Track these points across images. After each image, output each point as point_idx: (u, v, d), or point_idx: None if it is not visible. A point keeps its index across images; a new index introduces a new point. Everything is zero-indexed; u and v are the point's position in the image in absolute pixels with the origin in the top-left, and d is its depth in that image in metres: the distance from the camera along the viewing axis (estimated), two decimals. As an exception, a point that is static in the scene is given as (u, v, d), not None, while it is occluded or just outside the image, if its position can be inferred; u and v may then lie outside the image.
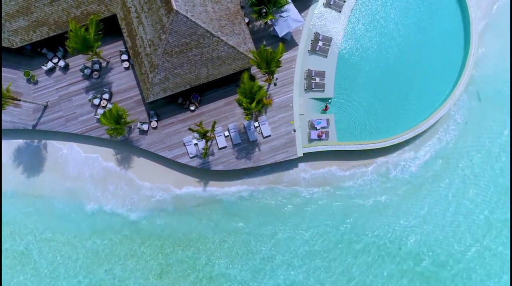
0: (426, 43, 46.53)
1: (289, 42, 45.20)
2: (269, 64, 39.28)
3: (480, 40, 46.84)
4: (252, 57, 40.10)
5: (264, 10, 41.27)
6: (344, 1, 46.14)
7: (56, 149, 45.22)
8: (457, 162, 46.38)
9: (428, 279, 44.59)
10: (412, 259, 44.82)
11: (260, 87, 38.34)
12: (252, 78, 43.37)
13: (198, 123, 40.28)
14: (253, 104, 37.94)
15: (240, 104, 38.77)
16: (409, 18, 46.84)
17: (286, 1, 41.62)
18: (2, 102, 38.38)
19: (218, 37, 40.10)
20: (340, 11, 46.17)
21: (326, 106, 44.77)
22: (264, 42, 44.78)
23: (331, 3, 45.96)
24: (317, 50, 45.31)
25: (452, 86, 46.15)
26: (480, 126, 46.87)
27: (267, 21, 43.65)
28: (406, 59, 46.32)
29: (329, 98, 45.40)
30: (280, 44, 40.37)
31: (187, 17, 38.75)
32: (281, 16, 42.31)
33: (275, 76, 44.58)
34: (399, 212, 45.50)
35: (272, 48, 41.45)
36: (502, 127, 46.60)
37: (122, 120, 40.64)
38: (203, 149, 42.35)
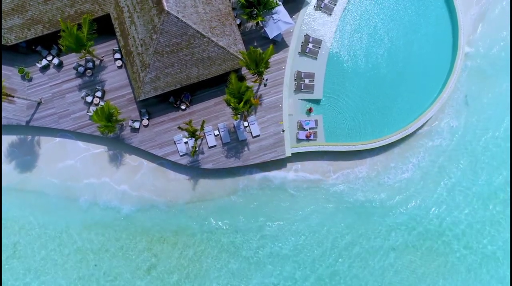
0: (415, 45, 47.33)
1: (280, 43, 45.94)
2: (258, 65, 40.06)
3: (468, 43, 47.71)
4: (242, 58, 40.85)
5: (255, 12, 42.00)
6: (335, 4, 46.88)
7: (49, 145, 45.96)
8: (446, 163, 47.08)
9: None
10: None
11: (248, 88, 39.14)
12: (242, 78, 44.16)
13: (187, 122, 41.02)
14: (241, 104, 38.71)
15: (229, 104, 39.54)
16: (398, 21, 47.62)
17: (276, 4, 42.43)
18: (-4, 98, 39.23)
19: (209, 38, 40.89)
20: (330, 14, 46.93)
21: (310, 109, 45.46)
22: (255, 44, 45.54)
23: (322, 6, 46.72)
24: (307, 52, 46.05)
25: (440, 89, 46.87)
26: (468, 129, 47.48)
27: (258, 23, 44.39)
28: (395, 62, 47.12)
29: (318, 100, 46.12)
30: (271, 45, 41.24)
31: (178, 18, 39.55)
32: (271, 18, 43.08)
33: (266, 77, 45.33)
34: (387, 211, 46.23)
35: (262, 49, 42.37)
36: (489, 130, 47.29)
37: (114, 118, 41.43)
38: (192, 147, 43.10)
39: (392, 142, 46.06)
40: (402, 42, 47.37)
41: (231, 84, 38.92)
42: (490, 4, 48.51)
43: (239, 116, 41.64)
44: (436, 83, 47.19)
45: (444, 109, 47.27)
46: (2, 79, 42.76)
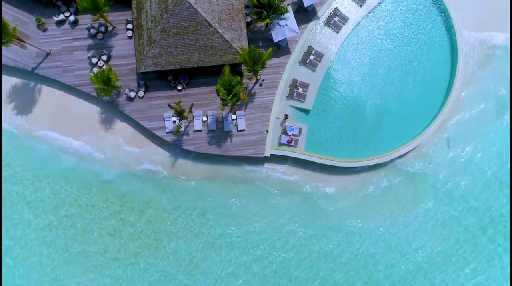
0: (411, 80, 48.95)
1: (283, 49, 47.87)
2: (255, 64, 42.05)
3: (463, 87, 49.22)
4: (241, 53, 42.85)
5: (264, 14, 43.92)
6: (344, 24, 48.60)
7: (48, 95, 48.30)
8: (408, 201, 48.68)
9: None
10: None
11: (239, 83, 41.10)
12: (240, 74, 46.11)
13: (176, 102, 43.12)
14: (229, 96, 40.74)
15: (218, 94, 41.59)
16: (401, 53, 49.24)
17: (286, 10, 44.32)
18: (7, 39, 41.66)
19: (215, 29, 43.00)
20: (337, 32, 48.66)
21: (286, 115, 47.22)
22: (260, 44, 47.43)
23: (331, 22, 48.47)
24: (307, 63, 47.89)
25: (425, 126, 48.33)
26: (442, 171, 48.84)
27: (267, 25, 46.28)
28: (389, 91, 48.77)
29: (307, 110, 47.91)
30: (270, 48, 43.26)
31: (190, 3, 41.77)
32: (278, 23, 45.01)
33: (263, 77, 47.30)
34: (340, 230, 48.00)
35: (265, 50, 44.26)
36: (465, 176, 48.68)
37: (111, 83, 43.74)
38: (176, 126, 45.19)
39: (368, 165, 47.67)
40: (399, 74, 48.98)
41: (224, 75, 40.98)
42: (492, 56, 49.98)
43: (226, 107, 43.63)
44: (423, 119, 48.64)
45: (424, 146, 48.64)
46: (18, 23, 45.11)
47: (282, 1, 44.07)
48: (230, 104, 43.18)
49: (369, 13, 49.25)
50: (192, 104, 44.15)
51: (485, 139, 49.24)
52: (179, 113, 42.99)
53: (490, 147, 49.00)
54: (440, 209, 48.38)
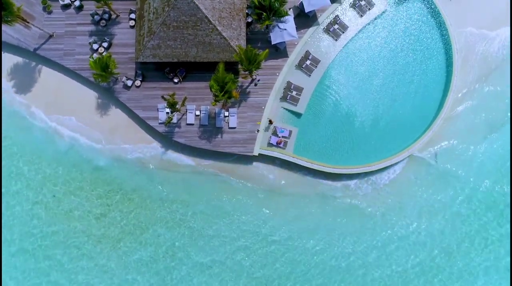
0: (403, 93, 49.55)
1: (281, 51, 48.57)
2: (250, 64, 42.78)
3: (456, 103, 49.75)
4: (238, 52, 43.61)
5: (264, 15, 44.63)
6: (343, 32, 49.23)
7: (47, 77, 49.26)
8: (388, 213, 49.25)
9: None
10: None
11: (231, 80, 41.86)
12: (236, 72, 46.86)
13: (170, 94, 43.93)
14: (221, 93, 41.51)
15: (211, 89, 42.38)
16: (398, 66, 49.87)
17: (286, 13, 45.01)
18: (11, 19, 42.62)
19: (214, 26, 43.78)
20: (336, 40, 49.30)
21: (270, 121, 47.91)
22: (259, 44, 48.15)
23: (331, 30, 49.11)
24: (303, 67, 48.57)
25: (414, 140, 48.87)
26: (424, 187, 49.37)
27: (267, 27, 46.99)
28: (381, 102, 49.37)
29: (299, 113, 48.60)
30: (266, 49, 44.00)
31: (191, -1, 42.66)
32: (278, 25, 45.71)
33: (258, 77, 48.03)
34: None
35: (262, 51, 44.99)
36: (446, 195, 49.29)
37: (109, 69, 44.62)
38: (168, 117, 46.02)
39: (353, 173, 48.34)
40: (394, 84, 49.59)
41: (218, 72, 41.76)
42: (490, 59, 50.66)
43: (218, 103, 44.40)
44: (413, 133, 49.17)
45: (410, 159, 49.12)
46: (23, 3, 46.06)
47: (283, 4, 44.75)
48: (222, 100, 43.90)
49: (369, 23, 49.88)
50: (185, 98, 44.97)
51: (484, 140, 49.94)
52: (172, 106, 43.79)
53: (489, 146, 49.76)
54: (430, 223, 49.08)
